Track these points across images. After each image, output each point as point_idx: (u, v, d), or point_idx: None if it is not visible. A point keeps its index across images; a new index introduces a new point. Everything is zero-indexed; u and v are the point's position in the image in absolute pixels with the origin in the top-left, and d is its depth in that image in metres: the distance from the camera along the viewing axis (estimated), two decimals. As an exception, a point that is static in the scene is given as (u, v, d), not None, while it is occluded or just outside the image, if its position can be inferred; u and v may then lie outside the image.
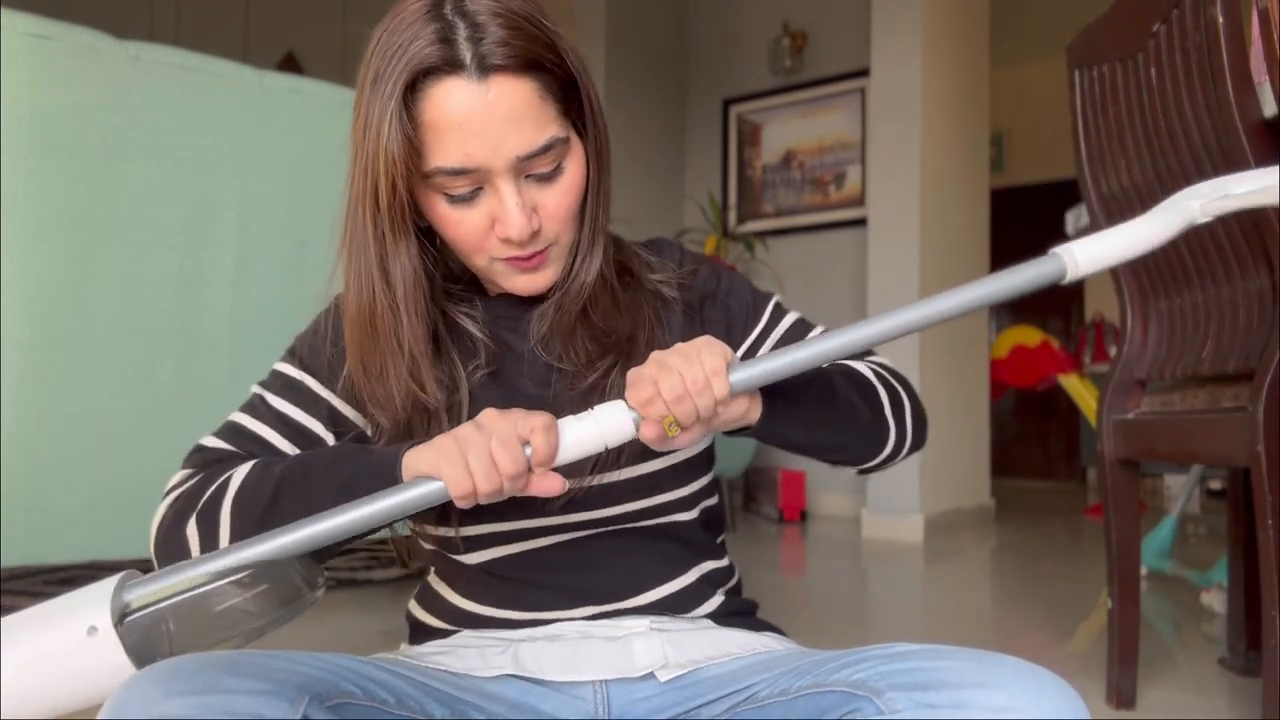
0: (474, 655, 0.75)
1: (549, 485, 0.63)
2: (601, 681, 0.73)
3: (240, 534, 0.67)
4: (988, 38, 4.06)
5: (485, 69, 0.65)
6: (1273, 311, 1.17)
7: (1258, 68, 1.22)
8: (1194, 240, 1.33)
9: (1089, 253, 0.64)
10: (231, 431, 0.77)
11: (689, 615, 0.80)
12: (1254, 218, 1.19)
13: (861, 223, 3.95)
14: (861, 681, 0.60)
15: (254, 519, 0.67)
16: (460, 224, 0.69)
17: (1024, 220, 6.03)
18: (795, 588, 2.60)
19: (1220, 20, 1.17)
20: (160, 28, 4.38)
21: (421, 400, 0.72)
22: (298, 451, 0.75)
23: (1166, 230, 0.66)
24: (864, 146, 4.07)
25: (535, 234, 0.70)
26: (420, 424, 0.74)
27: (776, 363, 0.64)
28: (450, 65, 0.65)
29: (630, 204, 4.23)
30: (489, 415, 0.62)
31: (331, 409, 0.77)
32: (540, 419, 0.62)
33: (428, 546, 0.81)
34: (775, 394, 0.70)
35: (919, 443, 0.83)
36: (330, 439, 0.77)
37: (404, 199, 0.68)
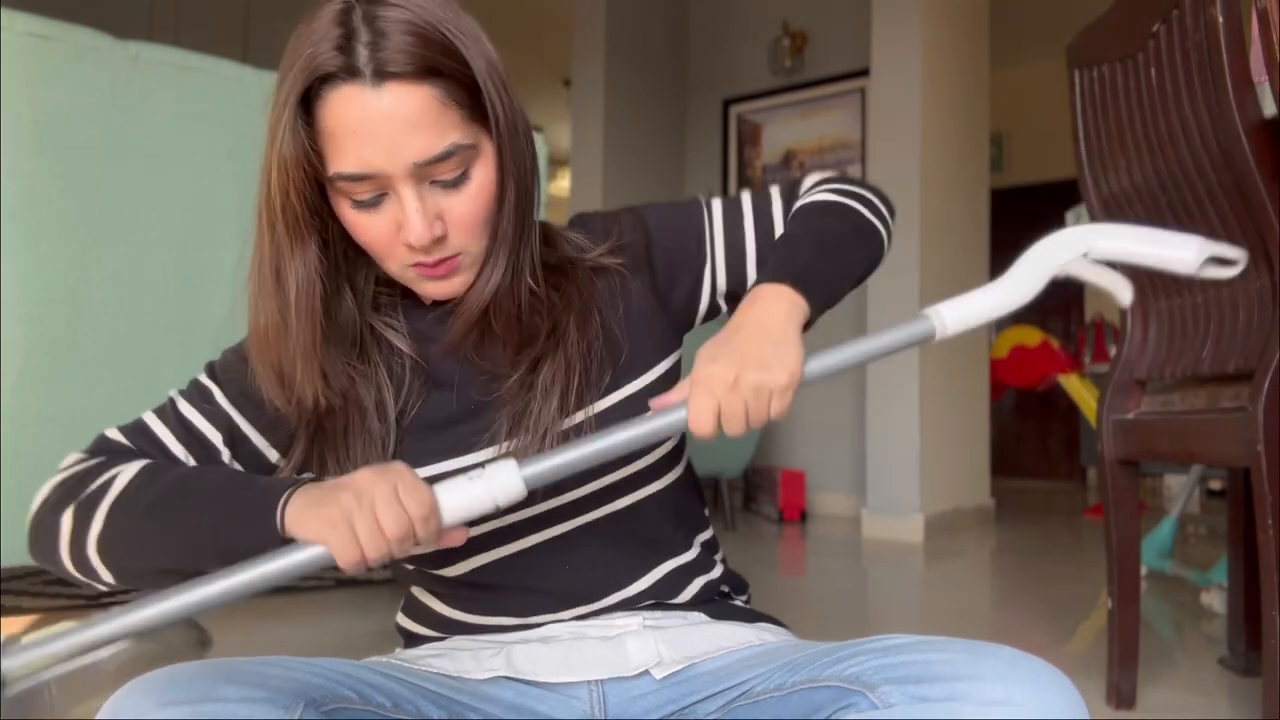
0: (468, 658, 0.75)
1: (451, 538, 0.63)
2: (597, 681, 0.73)
3: (108, 539, 0.67)
4: (988, 38, 4.06)
5: (381, 75, 0.64)
6: (1273, 311, 1.17)
7: (1258, 68, 1.22)
8: (1194, 240, 1.33)
9: (957, 313, 0.67)
10: (135, 428, 0.76)
11: (679, 600, 0.79)
12: (1254, 218, 1.19)
13: (861, 223, 3.95)
14: (855, 676, 0.60)
15: (123, 532, 0.66)
16: (367, 229, 0.68)
17: (1024, 220, 6.03)
18: (795, 588, 2.60)
19: (1220, 20, 1.17)
20: (160, 28, 4.38)
21: (331, 402, 0.72)
22: (191, 460, 0.74)
23: (1032, 287, 0.69)
24: (864, 146, 4.07)
25: (440, 241, 0.68)
26: (355, 424, 0.73)
27: (813, 365, 0.66)
28: (346, 72, 0.64)
29: (630, 203, 4.23)
30: (367, 480, 0.61)
31: (231, 423, 0.75)
32: (420, 496, 0.60)
33: (406, 565, 0.80)
34: (800, 284, 0.70)
35: (891, 211, 0.84)
36: (226, 454, 0.75)
37: (297, 206, 0.67)
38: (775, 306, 0.68)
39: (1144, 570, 2.56)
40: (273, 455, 0.77)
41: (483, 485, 0.62)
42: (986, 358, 4.08)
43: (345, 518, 0.59)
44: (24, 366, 1.44)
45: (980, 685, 0.55)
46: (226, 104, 1.67)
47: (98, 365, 1.52)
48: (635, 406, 0.75)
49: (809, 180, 0.85)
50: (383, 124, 0.64)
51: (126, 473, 0.69)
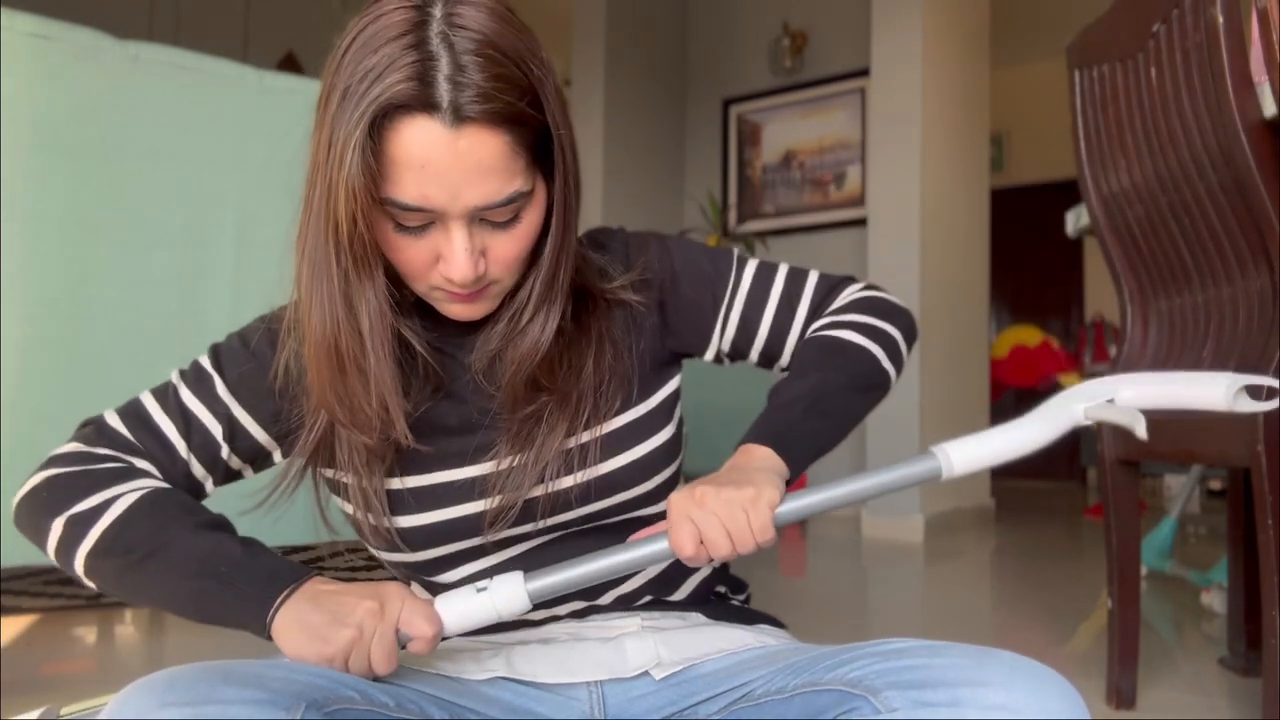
0: (467, 658, 0.74)
1: (422, 643, 0.65)
2: (596, 682, 0.73)
3: (95, 566, 0.68)
4: (988, 38, 4.06)
5: (460, 118, 0.61)
6: (1273, 311, 1.17)
7: (1258, 68, 1.22)
8: (1194, 240, 1.33)
9: (964, 455, 0.67)
10: (134, 415, 0.75)
11: (677, 597, 0.79)
12: (1254, 218, 1.19)
13: (861, 223, 3.95)
14: (858, 680, 0.60)
15: (112, 567, 0.68)
16: (404, 251, 0.67)
17: (1024, 220, 6.04)
18: (795, 588, 2.60)
19: (1220, 20, 1.17)
20: (160, 28, 4.38)
21: (392, 436, 0.70)
22: (191, 456, 0.74)
23: (1048, 433, 0.67)
24: (864, 146, 4.07)
25: (479, 277, 0.67)
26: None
27: (813, 499, 0.67)
28: (424, 106, 0.61)
29: (630, 204, 4.23)
30: (370, 613, 0.63)
31: (231, 416, 0.75)
32: (424, 621, 0.64)
33: (399, 572, 0.80)
34: (783, 448, 0.71)
35: (911, 341, 0.84)
36: (225, 449, 0.75)
37: (365, 234, 0.64)
38: (751, 460, 0.70)
39: (1144, 570, 2.56)
40: (274, 450, 0.77)
41: (488, 600, 0.64)
42: (986, 358, 4.08)
43: (342, 652, 0.62)
44: (24, 366, 1.44)
45: (983, 691, 0.55)
46: (226, 104, 1.67)
47: (98, 365, 1.52)
48: (638, 431, 0.76)
49: (849, 290, 0.84)
50: (452, 165, 0.62)
51: (125, 500, 0.69)
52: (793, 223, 4.27)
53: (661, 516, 0.78)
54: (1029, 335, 4.51)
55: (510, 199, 0.65)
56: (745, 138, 4.48)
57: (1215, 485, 4.74)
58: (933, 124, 3.59)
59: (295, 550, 2.78)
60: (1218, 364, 1.28)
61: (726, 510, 0.64)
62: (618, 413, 0.76)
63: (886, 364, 0.79)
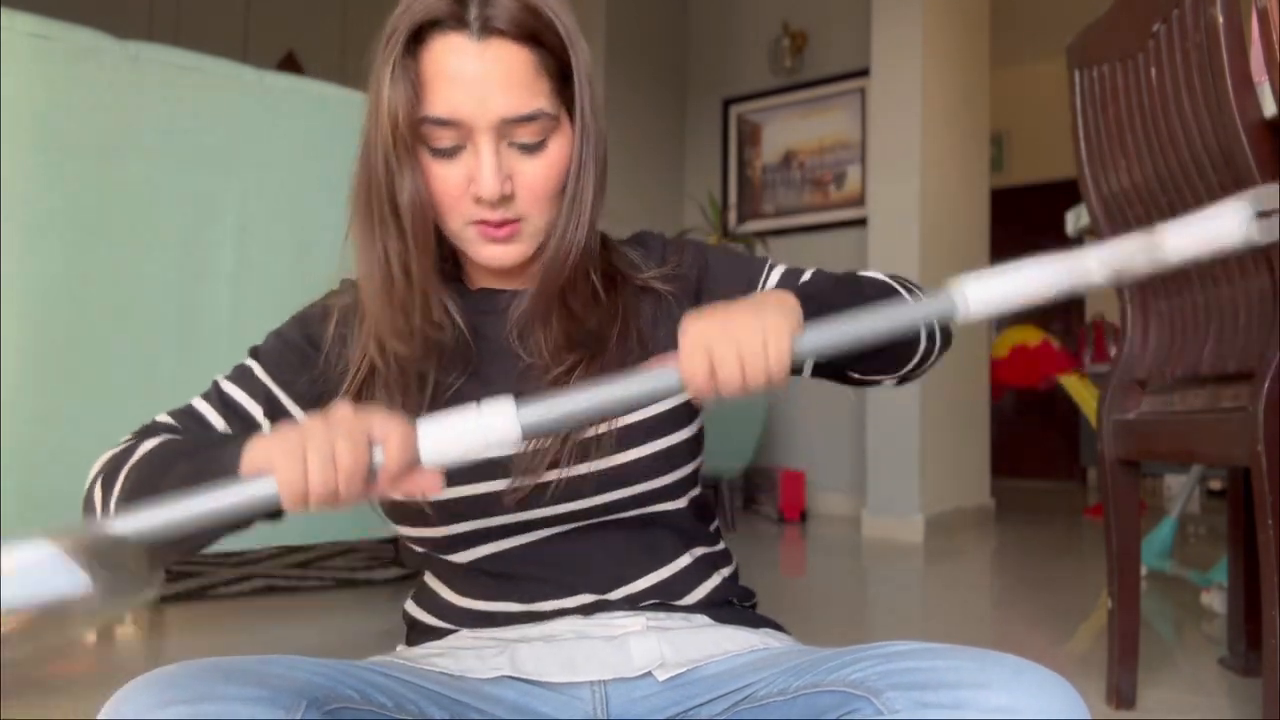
0: (471, 656, 0.75)
1: (424, 484, 0.56)
2: (599, 682, 0.73)
3: (124, 501, 0.66)
4: (988, 38, 4.06)
5: (487, 30, 0.68)
6: (1273, 311, 1.17)
7: (1258, 68, 1.22)
8: (1194, 240, 1.33)
9: (982, 293, 0.60)
10: (181, 409, 0.78)
11: (685, 602, 0.79)
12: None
13: (861, 223, 3.95)
14: (860, 681, 0.60)
15: (133, 486, 0.66)
16: (438, 178, 0.71)
17: (1024, 220, 6.04)
18: (795, 588, 2.60)
19: (1220, 20, 1.17)
20: (160, 28, 4.38)
21: (434, 338, 0.73)
22: (229, 430, 0.76)
23: (1066, 278, 0.61)
24: (864, 146, 4.07)
25: (508, 200, 0.71)
26: (397, 388, 0.74)
27: (834, 332, 0.60)
28: (454, 21, 0.68)
29: (630, 204, 4.23)
30: (341, 410, 0.56)
31: (270, 394, 0.77)
32: (397, 425, 0.55)
33: (417, 550, 0.81)
34: (801, 299, 0.66)
35: (947, 341, 0.81)
36: (266, 425, 0.76)
37: (407, 136, 0.69)
38: (768, 296, 0.66)
39: (1144, 570, 2.56)
40: None
41: (474, 418, 0.56)
42: (986, 358, 4.08)
43: (300, 443, 0.53)
44: (24, 366, 1.44)
45: (985, 693, 0.55)
46: (226, 104, 1.67)
47: (98, 365, 1.52)
48: (659, 426, 0.77)
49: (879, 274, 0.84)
50: (478, 75, 0.68)
51: (150, 442, 0.70)
52: (793, 223, 4.27)
53: (680, 516, 0.80)
54: (1029, 335, 4.50)
55: (535, 114, 0.69)
56: (745, 138, 4.48)
57: (1215, 485, 4.74)
58: (933, 124, 3.59)
59: (295, 550, 2.79)
60: (1218, 364, 1.28)
61: (745, 334, 0.58)
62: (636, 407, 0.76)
63: (915, 307, 0.78)
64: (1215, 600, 2.14)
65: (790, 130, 4.34)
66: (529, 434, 0.57)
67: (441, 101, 0.68)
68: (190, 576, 2.38)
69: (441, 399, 0.75)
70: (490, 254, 0.74)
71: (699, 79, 4.65)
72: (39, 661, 1.66)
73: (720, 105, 4.56)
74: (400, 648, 0.83)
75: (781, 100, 4.35)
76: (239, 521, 0.57)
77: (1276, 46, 1.19)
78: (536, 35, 0.69)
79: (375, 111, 0.70)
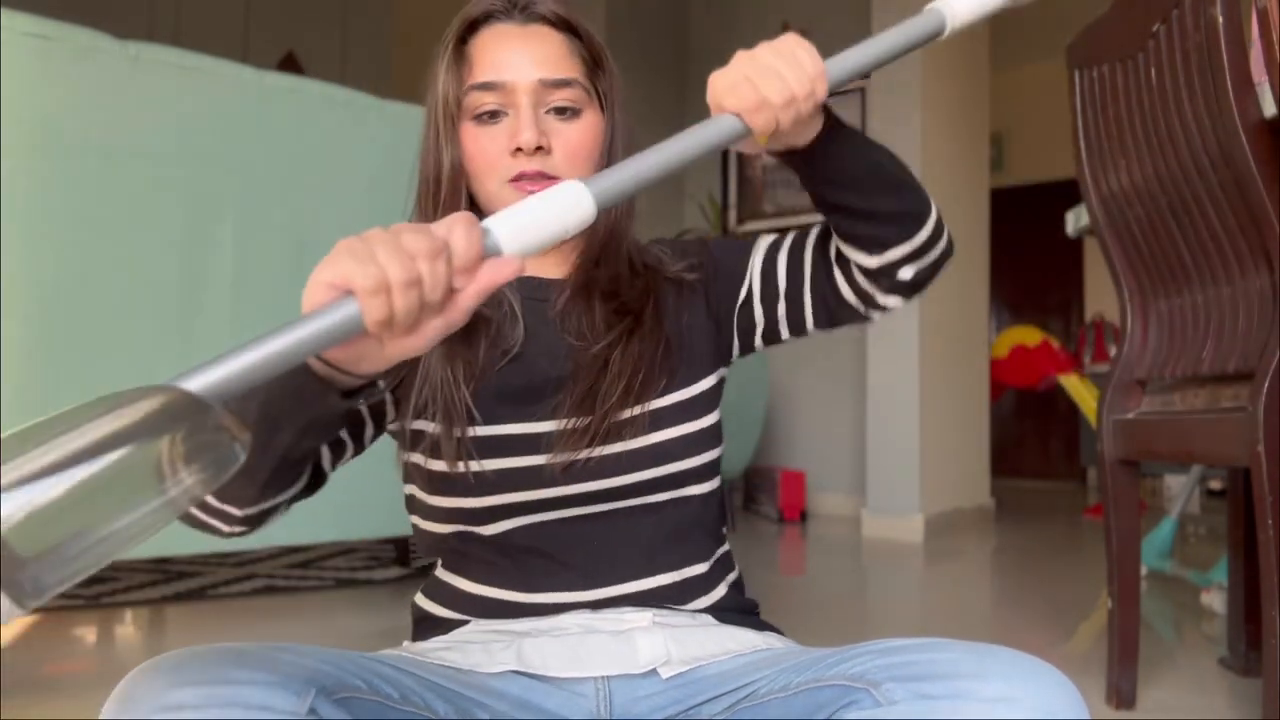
0: (478, 651, 0.75)
1: (501, 271, 0.54)
2: (604, 678, 0.73)
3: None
4: (988, 38, 4.06)
5: (529, 17, 0.79)
6: (1273, 311, 1.17)
7: (1258, 68, 1.22)
8: (1194, 240, 1.33)
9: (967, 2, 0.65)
10: None
11: (691, 607, 0.80)
12: (1254, 218, 1.19)
13: (861, 223, 3.95)
14: (859, 674, 0.61)
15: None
16: (479, 140, 0.77)
17: (1024, 220, 6.04)
18: (795, 588, 2.60)
19: (1220, 20, 1.17)
20: (160, 28, 4.38)
21: (484, 314, 0.78)
22: None
23: None
24: (864, 146, 4.06)
25: (545, 155, 0.76)
26: (455, 351, 0.77)
27: (854, 56, 0.66)
28: (501, 14, 0.79)
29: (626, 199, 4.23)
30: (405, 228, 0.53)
31: None
32: (459, 215, 0.53)
33: (444, 529, 0.80)
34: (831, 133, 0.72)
35: (949, 248, 0.86)
36: None
37: (453, 110, 0.78)
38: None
39: (1144, 570, 2.56)
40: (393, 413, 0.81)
41: (547, 202, 0.55)
42: (986, 358, 4.08)
43: (363, 244, 0.51)
44: (24, 366, 1.44)
45: (982, 683, 0.56)
46: (226, 104, 1.67)
47: (98, 365, 1.52)
48: (687, 410, 0.80)
49: None
50: (520, 47, 0.77)
51: None
52: (793, 223, 4.27)
53: (706, 503, 0.82)
54: (1029, 335, 4.50)
55: (570, 80, 0.78)
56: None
57: (1215, 485, 4.74)
58: (933, 124, 3.59)
59: (295, 550, 2.79)
60: (1217, 364, 1.28)
61: (772, 53, 0.65)
62: (665, 391, 0.80)
63: (924, 195, 0.83)
64: (1215, 600, 2.14)
65: (790, 130, 4.34)
66: (602, 202, 0.58)
67: (486, 68, 0.77)
68: (190, 576, 2.38)
69: (488, 377, 0.78)
70: None
71: (699, 79, 4.65)
72: (39, 661, 1.66)
73: (720, 105, 4.56)
74: (406, 643, 0.83)
75: (781, 100, 4.35)
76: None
77: (1276, 46, 1.19)
78: (572, 27, 0.80)
79: (431, 100, 0.79)
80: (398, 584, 2.40)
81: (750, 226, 4.35)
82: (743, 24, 4.50)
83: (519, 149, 0.75)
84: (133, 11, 4.39)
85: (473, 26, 0.79)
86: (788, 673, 0.67)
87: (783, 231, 0.89)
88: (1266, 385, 1.13)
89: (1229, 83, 1.16)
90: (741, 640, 0.77)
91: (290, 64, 4.57)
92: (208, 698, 0.52)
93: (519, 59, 0.77)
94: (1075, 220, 1.74)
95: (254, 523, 0.71)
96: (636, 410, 0.77)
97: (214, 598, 2.20)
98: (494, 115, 0.77)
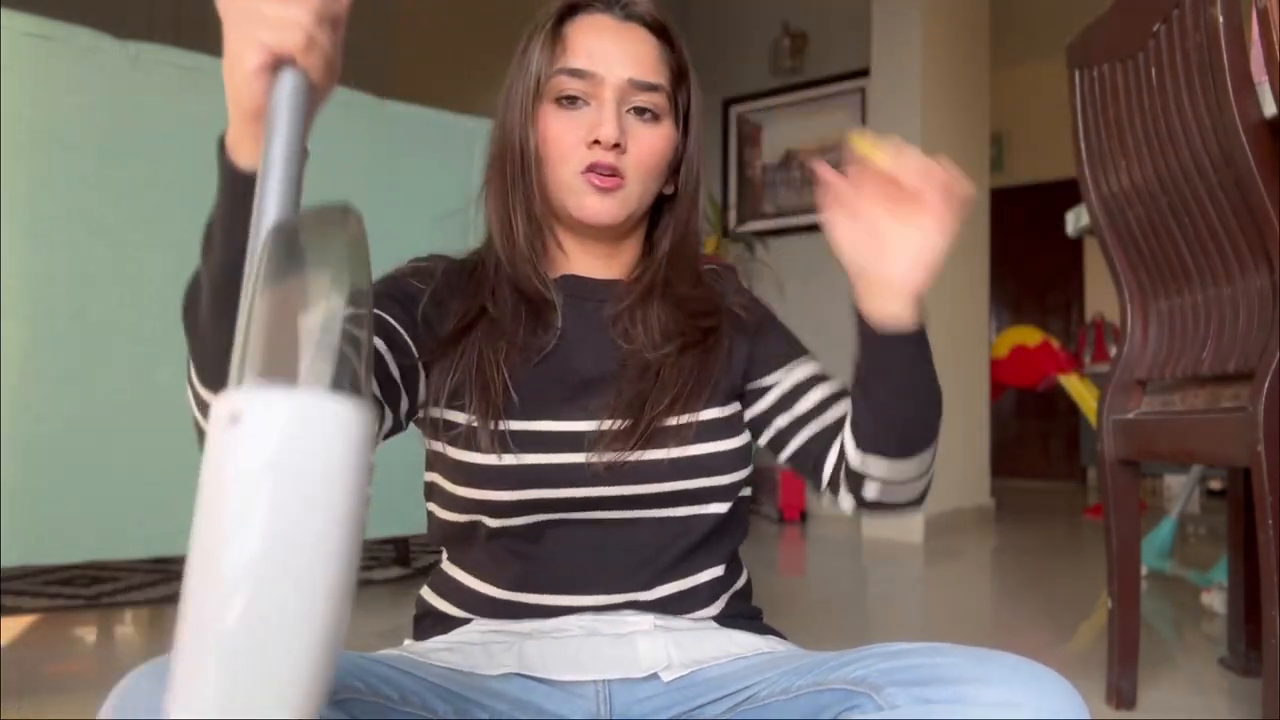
0: (479, 652, 0.75)
1: None
2: (604, 681, 0.73)
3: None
4: (988, 38, 4.06)
5: (629, 14, 0.79)
6: (1273, 311, 1.17)
7: (1258, 68, 1.22)
8: (1194, 239, 1.33)
9: None
10: None
11: (694, 616, 0.80)
12: (1254, 218, 1.19)
13: (861, 223, 3.95)
14: (861, 678, 0.61)
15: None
16: (559, 122, 0.77)
17: (1024, 220, 6.04)
18: (795, 588, 2.60)
19: (1220, 20, 1.17)
20: (160, 28, 4.38)
21: (540, 297, 0.78)
22: None
23: None
24: (864, 146, 4.06)
25: (621, 152, 0.76)
26: (501, 335, 0.77)
27: None
28: (601, 4, 0.79)
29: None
30: None
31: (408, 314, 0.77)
32: None
33: (462, 519, 0.79)
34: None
35: (916, 504, 0.89)
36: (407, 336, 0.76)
37: (540, 88, 0.78)
38: None
39: (1144, 570, 2.56)
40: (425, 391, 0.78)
41: None
42: (986, 358, 4.08)
43: (247, 12, 0.56)
44: (24, 366, 1.44)
45: (984, 688, 0.56)
46: (226, 104, 1.67)
47: (98, 365, 1.52)
48: (719, 429, 0.80)
49: None
50: (615, 41, 0.78)
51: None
52: (793, 223, 4.27)
53: (722, 523, 0.81)
54: (1029, 335, 4.50)
55: (656, 85, 0.78)
56: (745, 138, 4.48)
57: (1215, 485, 4.74)
58: (933, 124, 3.59)
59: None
60: (1217, 364, 1.28)
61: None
62: (707, 405, 0.80)
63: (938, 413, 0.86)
64: (1215, 600, 2.14)
65: (790, 130, 4.34)
66: None
67: (580, 55, 0.77)
68: (190, 576, 2.38)
69: (532, 360, 0.78)
70: (592, 205, 0.77)
71: (699, 79, 4.65)
72: (39, 661, 1.66)
73: (720, 105, 4.56)
74: (408, 642, 0.83)
75: (781, 100, 4.36)
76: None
77: (1276, 46, 1.19)
78: (666, 34, 0.80)
79: (518, 76, 0.79)
80: (398, 584, 2.40)
81: (750, 226, 4.35)
82: (743, 24, 4.50)
83: (597, 141, 0.76)
84: (133, 11, 4.39)
85: (572, 9, 0.79)
86: (789, 676, 0.67)
87: (825, 376, 0.89)
88: (1266, 385, 1.13)
89: (1229, 83, 1.16)
90: (742, 643, 0.77)
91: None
92: None
93: (613, 53, 0.77)
94: (1075, 220, 1.74)
95: None
96: (678, 420, 0.78)
97: (214, 598, 2.20)
98: (574, 101, 0.77)
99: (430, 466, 0.82)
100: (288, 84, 0.55)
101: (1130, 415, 1.49)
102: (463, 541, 0.81)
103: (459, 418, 0.76)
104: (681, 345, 0.79)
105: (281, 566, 0.38)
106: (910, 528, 3.45)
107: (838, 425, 0.83)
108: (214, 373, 0.61)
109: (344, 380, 0.41)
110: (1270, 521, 1.11)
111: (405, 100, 1.95)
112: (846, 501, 0.84)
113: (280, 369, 0.41)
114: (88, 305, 1.52)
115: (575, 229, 0.81)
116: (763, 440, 0.87)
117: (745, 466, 0.82)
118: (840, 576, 2.85)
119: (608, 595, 0.77)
